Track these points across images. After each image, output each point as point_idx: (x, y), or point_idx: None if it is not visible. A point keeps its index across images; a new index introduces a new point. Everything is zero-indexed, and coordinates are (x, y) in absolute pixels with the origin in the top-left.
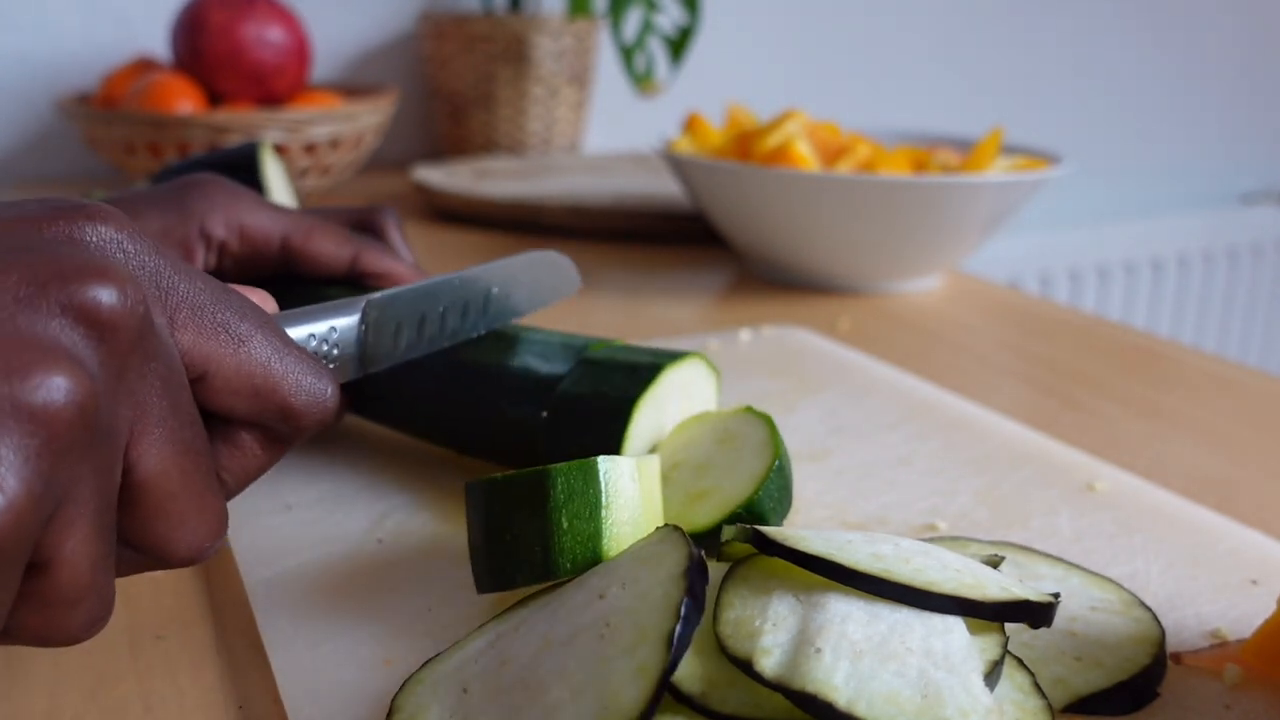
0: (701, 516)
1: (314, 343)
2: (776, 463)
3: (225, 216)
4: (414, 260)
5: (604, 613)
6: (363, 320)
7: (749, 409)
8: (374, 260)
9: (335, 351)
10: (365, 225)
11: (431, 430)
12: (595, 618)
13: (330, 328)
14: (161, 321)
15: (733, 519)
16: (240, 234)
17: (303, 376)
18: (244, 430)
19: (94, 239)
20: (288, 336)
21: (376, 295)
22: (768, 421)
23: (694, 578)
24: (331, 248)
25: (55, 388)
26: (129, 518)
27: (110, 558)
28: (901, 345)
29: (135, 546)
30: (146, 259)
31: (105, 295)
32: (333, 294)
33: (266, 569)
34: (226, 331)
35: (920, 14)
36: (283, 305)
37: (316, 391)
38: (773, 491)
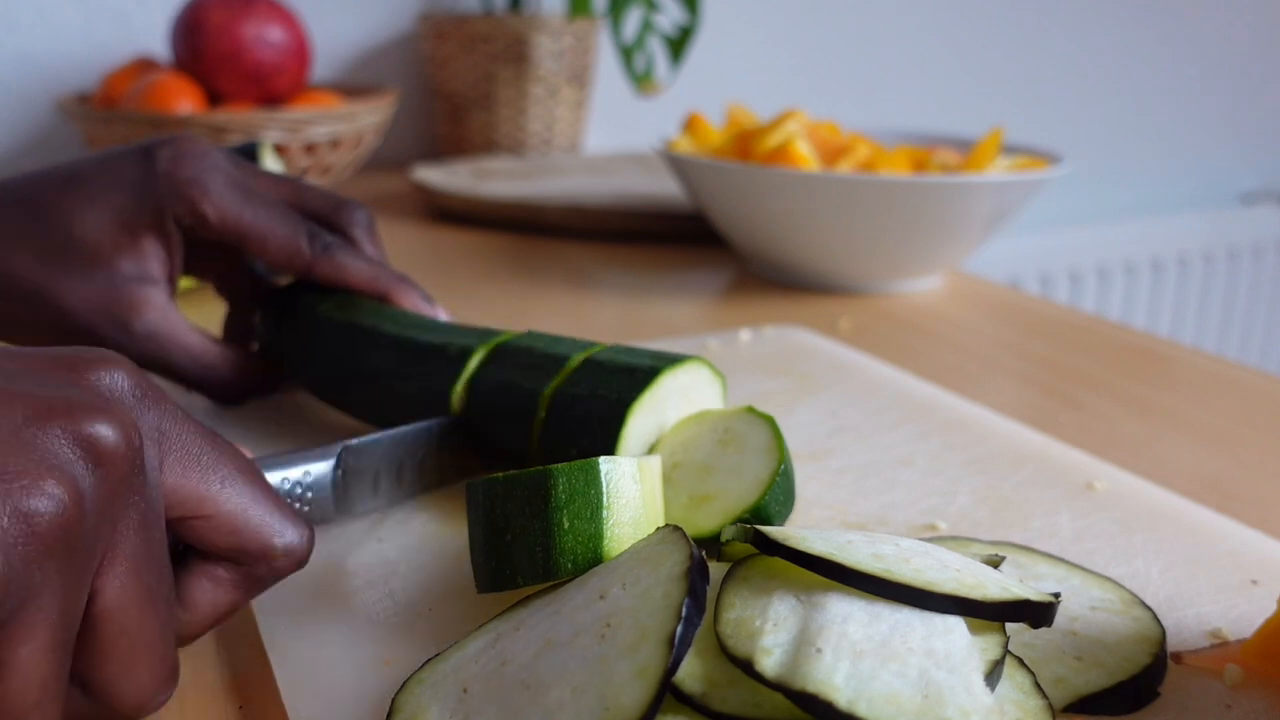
0: (706, 521)
1: (288, 485)
2: (782, 467)
3: (189, 206)
4: (382, 256)
5: (605, 613)
6: (338, 465)
7: (750, 409)
8: (328, 270)
9: (310, 494)
10: (332, 223)
11: (343, 399)
12: (596, 618)
13: (305, 472)
14: (154, 464)
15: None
16: (201, 224)
17: (278, 522)
18: (221, 566)
19: (106, 383)
20: (267, 483)
21: (354, 442)
22: (771, 423)
23: (695, 578)
24: (285, 258)
25: (49, 495)
26: (82, 651)
27: (60, 683)
28: (901, 345)
29: (84, 685)
30: (149, 405)
31: (106, 430)
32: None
33: None
34: (214, 474)
35: (920, 14)
36: (261, 306)
37: (290, 536)
38: (778, 495)
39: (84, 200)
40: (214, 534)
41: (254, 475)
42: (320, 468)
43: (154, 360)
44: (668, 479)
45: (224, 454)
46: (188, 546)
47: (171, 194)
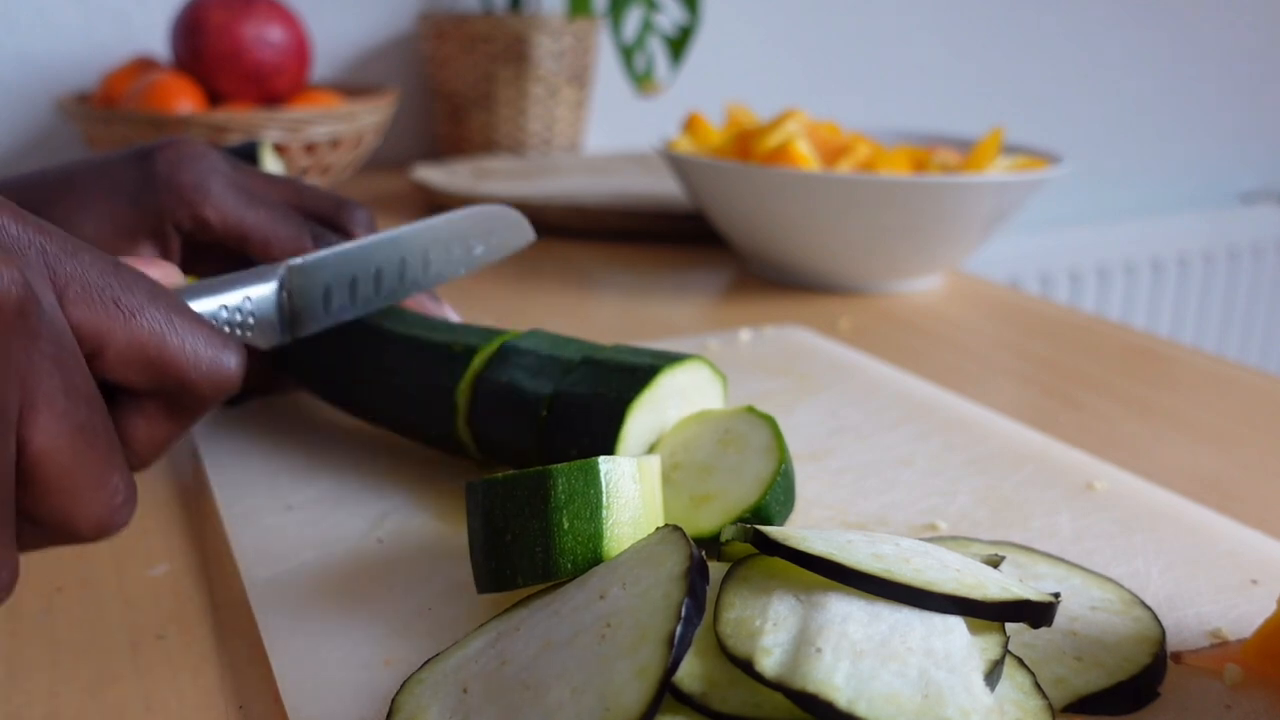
0: (706, 521)
1: (225, 314)
2: (782, 467)
3: (190, 211)
4: None
5: (605, 613)
6: (282, 287)
7: (751, 409)
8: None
9: (252, 320)
10: (334, 224)
11: (346, 398)
12: (596, 618)
13: (245, 297)
14: (50, 300)
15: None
16: (203, 228)
17: (199, 347)
18: (149, 401)
19: None
20: (185, 308)
21: (299, 260)
22: (771, 423)
23: (695, 578)
24: (293, 249)
25: None
26: (27, 494)
27: (8, 529)
28: (901, 345)
29: (38, 521)
30: (31, 239)
31: None
32: None
33: (266, 569)
34: (117, 305)
35: (921, 14)
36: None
37: (215, 362)
38: (778, 495)
39: (80, 206)
40: (126, 367)
41: (167, 302)
42: (262, 290)
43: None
44: (668, 479)
45: (131, 283)
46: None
47: (172, 199)
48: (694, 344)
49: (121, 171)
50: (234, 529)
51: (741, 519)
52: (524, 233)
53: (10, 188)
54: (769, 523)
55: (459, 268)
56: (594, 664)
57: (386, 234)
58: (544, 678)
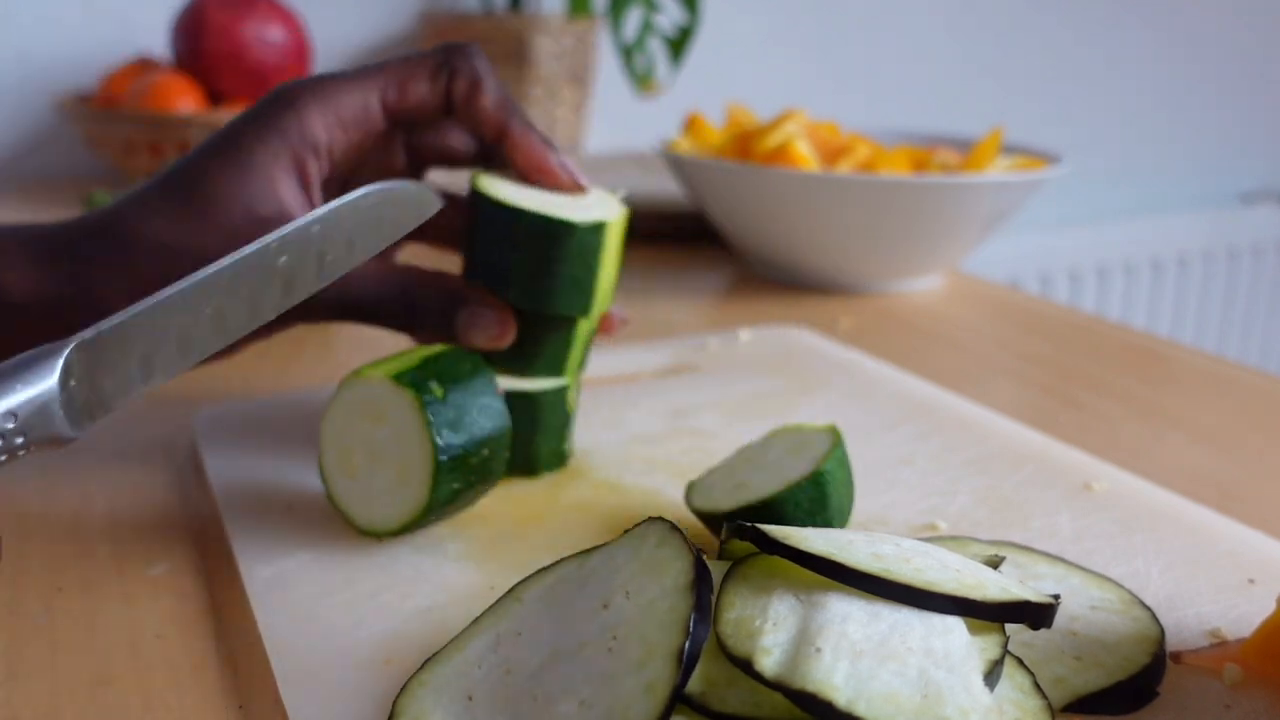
0: (724, 499)
1: None
2: (815, 472)
3: (322, 116)
4: (509, 99)
5: (610, 624)
6: (67, 378)
7: (832, 426)
8: (468, 89)
9: (20, 440)
10: (450, 70)
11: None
12: (601, 629)
13: (7, 413)
14: None
15: (749, 513)
16: (341, 124)
17: None
18: None
19: None
20: None
21: (90, 334)
22: (833, 436)
23: (701, 590)
24: (426, 91)
25: None
26: None
27: None
28: (901, 345)
29: None
30: None
31: None
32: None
33: (266, 569)
34: None
35: (920, 14)
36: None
37: None
38: (801, 500)
39: (220, 157)
40: None
41: None
42: (32, 392)
43: (334, 301)
44: (730, 465)
45: None
46: None
47: (305, 122)
48: (694, 344)
49: (244, 126)
50: (234, 529)
51: (752, 507)
52: (425, 203)
53: (163, 174)
54: (785, 522)
55: (333, 272)
56: (602, 678)
57: (201, 276)
58: (551, 690)
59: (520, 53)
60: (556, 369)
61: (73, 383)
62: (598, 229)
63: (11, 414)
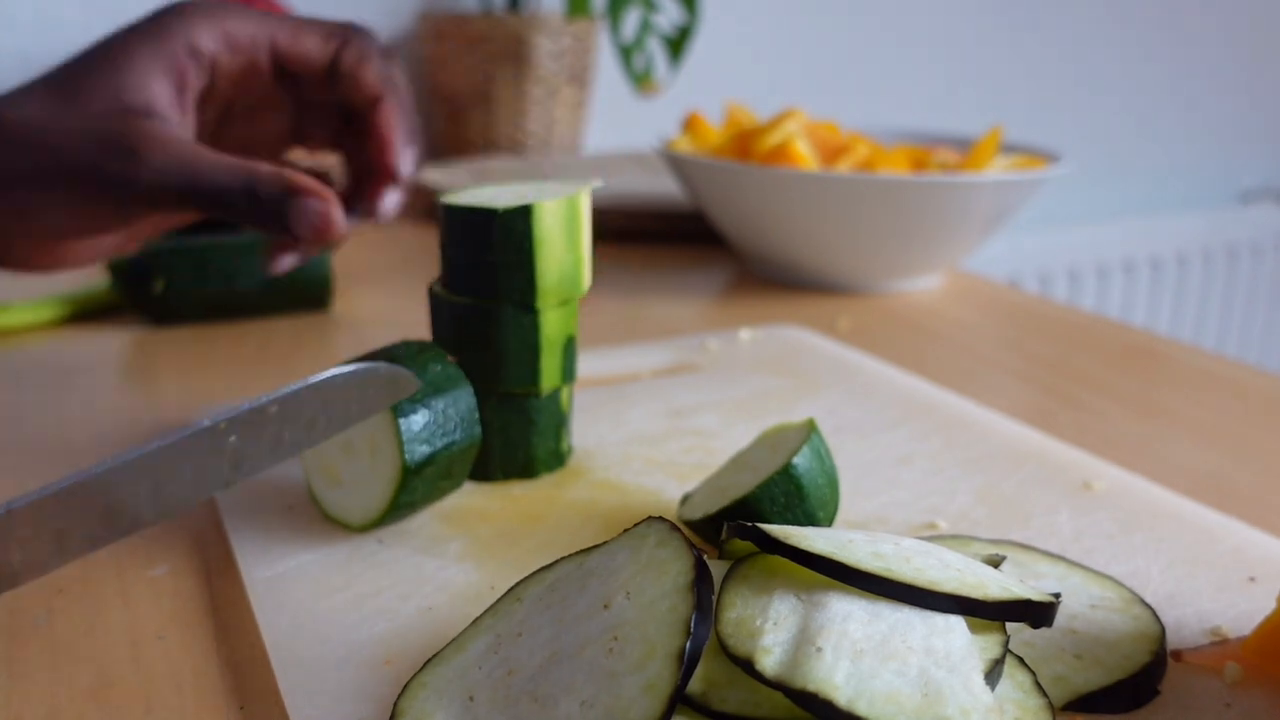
0: (708, 506)
1: None
2: (784, 466)
3: (210, 29)
4: (396, 78)
5: (610, 624)
6: None
7: (809, 421)
8: (357, 56)
9: None
10: (344, 39)
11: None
12: (602, 629)
13: None
14: None
15: (727, 515)
16: (228, 44)
17: None
18: None
19: None
20: None
21: None
22: (809, 430)
23: (701, 590)
24: (318, 44)
25: None
26: None
27: None
28: (901, 345)
29: None
30: None
31: None
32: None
33: (266, 569)
34: None
35: (920, 13)
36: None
37: None
38: (776, 495)
39: (101, 50)
40: None
41: None
42: None
43: (181, 186)
44: (718, 476)
45: None
46: None
47: (194, 27)
48: (694, 344)
49: (131, 26)
50: (234, 529)
51: (730, 509)
52: (400, 388)
53: (48, 71)
54: (763, 519)
55: (296, 447)
56: (602, 678)
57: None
58: (552, 690)
59: (519, 52)
60: (530, 370)
61: None
62: (523, 214)
63: None
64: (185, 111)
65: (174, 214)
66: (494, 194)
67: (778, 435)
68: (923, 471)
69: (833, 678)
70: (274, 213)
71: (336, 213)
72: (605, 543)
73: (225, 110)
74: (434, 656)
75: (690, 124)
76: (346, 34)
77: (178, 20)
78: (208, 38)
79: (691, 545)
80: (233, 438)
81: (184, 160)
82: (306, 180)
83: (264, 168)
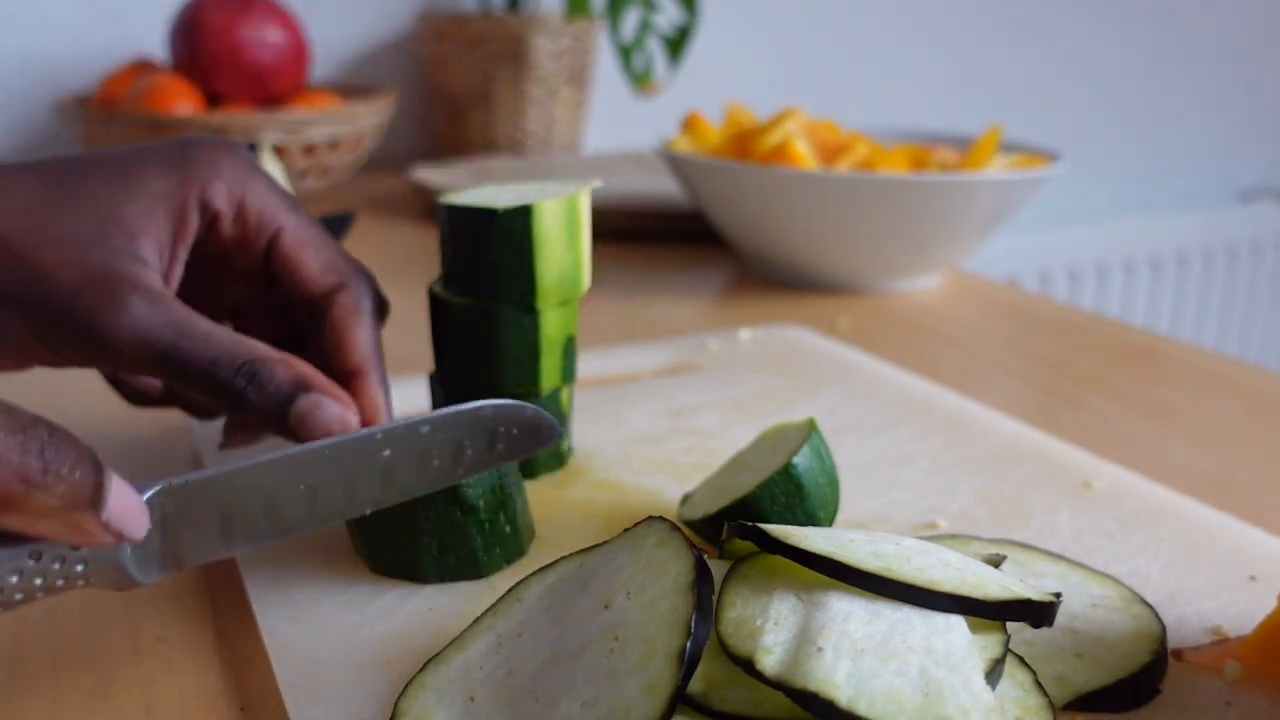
0: (708, 505)
1: (32, 563)
2: (785, 466)
3: (229, 188)
4: (378, 353)
5: (611, 625)
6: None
7: (809, 421)
8: (349, 312)
9: (80, 568)
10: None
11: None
12: (603, 629)
13: (57, 558)
14: None
15: (728, 514)
16: (237, 211)
17: None
18: None
19: None
20: None
21: (181, 480)
22: (809, 430)
23: (702, 590)
24: (317, 270)
25: None
26: None
27: None
28: (901, 345)
29: None
30: None
31: None
32: None
33: (266, 569)
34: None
35: (919, 13)
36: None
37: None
38: (776, 495)
39: (115, 174)
40: None
41: None
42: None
43: (165, 348)
44: (719, 476)
45: None
46: None
47: (208, 171)
48: (694, 344)
49: (154, 149)
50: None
51: (730, 509)
52: (544, 435)
53: (46, 162)
54: (764, 519)
55: (440, 479)
56: (603, 678)
57: (326, 443)
58: (553, 691)
59: (518, 53)
60: (530, 370)
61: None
62: (523, 214)
63: (81, 559)
64: (174, 262)
65: (136, 371)
66: (494, 194)
67: (778, 435)
68: (923, 471)
69: (833, 677)
70: (274, 408)
71: (353, 418)
72: (605, 543)
73: (206, 265)
74: (435, 657)
75: (690, 124)
76: (347, 278)
77: (206, 164)
78: (223, 197)
79: (692, 545)
80: (386, 451)
81: (171, 321)
82: (319, 375)
83: (268, 351)
